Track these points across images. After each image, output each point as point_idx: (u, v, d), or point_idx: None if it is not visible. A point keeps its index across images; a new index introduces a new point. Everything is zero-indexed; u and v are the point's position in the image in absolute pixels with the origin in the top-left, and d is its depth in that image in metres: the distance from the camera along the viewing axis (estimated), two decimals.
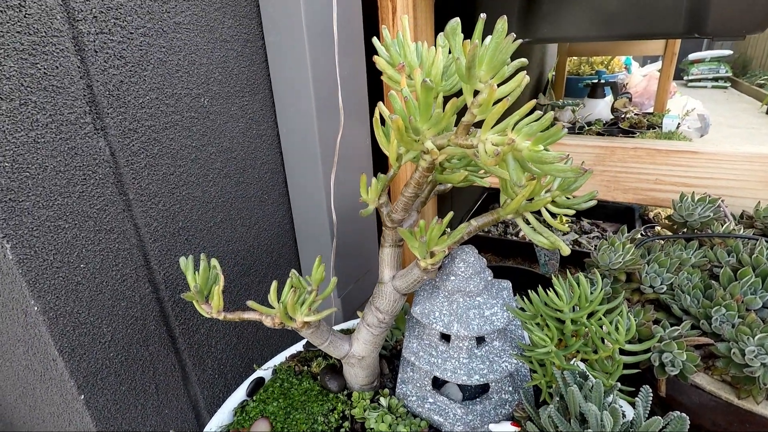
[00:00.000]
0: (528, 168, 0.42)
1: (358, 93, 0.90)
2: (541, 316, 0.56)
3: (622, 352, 0.52)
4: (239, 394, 0.71)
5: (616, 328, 0.51)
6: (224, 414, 0.68)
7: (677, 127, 2.56)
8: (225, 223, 0.78)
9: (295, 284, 0.62)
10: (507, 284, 0.64)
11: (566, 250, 0.51)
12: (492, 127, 0.44)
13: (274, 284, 0.59)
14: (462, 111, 0.46)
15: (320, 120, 0.81)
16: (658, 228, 0.98)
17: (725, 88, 5.79)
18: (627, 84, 3.91)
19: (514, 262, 1.80)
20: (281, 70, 0.80)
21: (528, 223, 0.55)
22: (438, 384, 0.70)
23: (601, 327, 0.52)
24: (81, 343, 0.59)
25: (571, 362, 0.54)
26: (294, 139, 0.85)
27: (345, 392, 0.70)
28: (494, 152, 0.40)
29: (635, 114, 2.98)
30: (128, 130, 0.60)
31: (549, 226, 0.52)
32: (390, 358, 0.77)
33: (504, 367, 0.60)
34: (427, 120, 0.45)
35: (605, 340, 0.51)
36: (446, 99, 0.48)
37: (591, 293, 0.54)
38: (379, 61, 0.51)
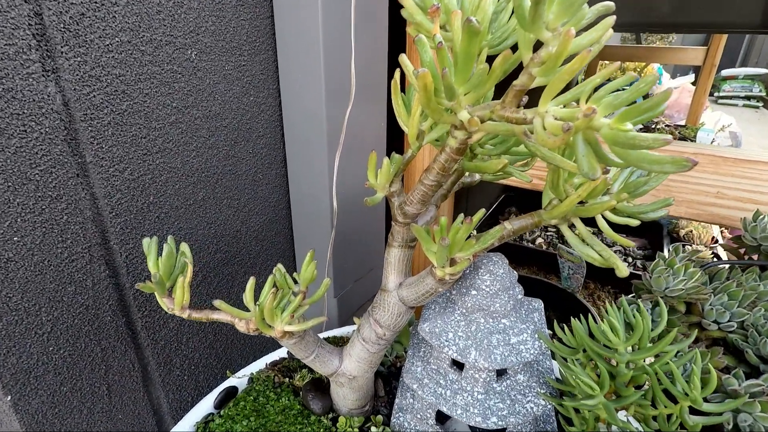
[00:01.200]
0: (603, 156, 0.30)
1: (376, 61, 0.77)
2: (585, 351, 0.44)
3: (693, 411, 0.40)
4: (205, 405, 0.60)
5: (687, 379, 0.39)
6: (184, 428, 0.57)
7: (712, 142, 2.40)
8: (208, 201, 0.67)
9: (278, 283, 0.50)
10: (538, 304, 0.52)
11: (624, 271, 0.39)
12: (554, 98, 0.31)
13: (251, 281, 0.47)
14: (511, 76, 0.34)
15: (330, 92, 0.69)
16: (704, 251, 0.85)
17: (757, 107, 5.56)
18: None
19: (529, 272, 1.68)
20: (289, 28, 0.68)
21: (574, 230, 0.43)
22: (442, 417, 0.58)
23: (667, 375, 0.39)
24: (10, 333, 0.48)
25: (619, 415, 0.42)
26: (298, 111, 0.73)
27: (330, 415, 0.58)
28: (562, 128, 0.28)
29: (666, 125, 2.82)
30: (89, 77, 0.49)
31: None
32: (387, 377, 0.65)
33: (529, 408, 0.48)
34: (466, 79, 0.33)
35: (672, 394, 0.39)
36: (489, 61, 0.36)
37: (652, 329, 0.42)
38: (407, 3, 0.38)
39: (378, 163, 0.43)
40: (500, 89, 0.34)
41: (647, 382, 0.41)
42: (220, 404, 0.59)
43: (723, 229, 1.85)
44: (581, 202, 0.42)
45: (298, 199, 0.81)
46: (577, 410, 0.44)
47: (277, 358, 0.68)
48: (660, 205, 0.43)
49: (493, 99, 0.37)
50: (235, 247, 0.74)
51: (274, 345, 0.80)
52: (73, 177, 0.50)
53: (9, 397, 0.49)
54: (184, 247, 0.51)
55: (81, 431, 0.57)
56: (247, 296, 0.48)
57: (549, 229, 1.91)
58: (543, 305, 0.53)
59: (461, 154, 0.39)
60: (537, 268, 1.68)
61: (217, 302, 0.46)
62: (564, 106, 0.31)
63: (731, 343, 0.52)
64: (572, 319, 0.44)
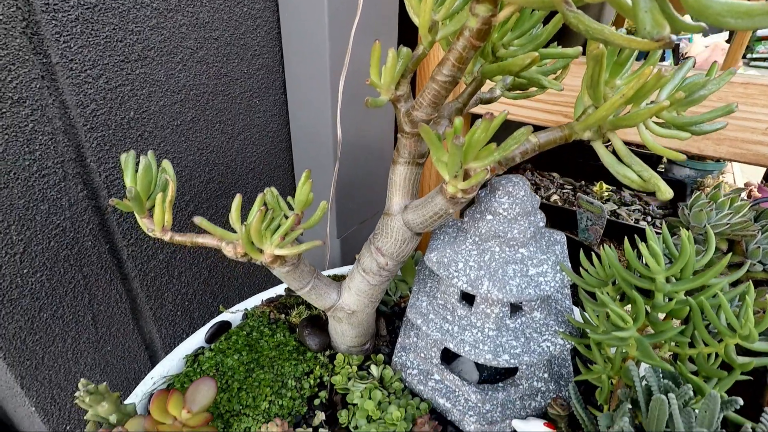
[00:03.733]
0: (670, 14, 0.23)
1: None
2: (614, 284, 0.38)
3: (740, 351, 0.34)
4: (196, 339, 0.56)
5: (736, 314, 0.33)
6: (173, 362, 0.54)
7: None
8: (198, 124, 0.61)
9: (269, 204, 0.45)
10: (561, 237, 0.46)
11: (666, 193, 0.33)
12: None
13: (237, 199, 0.42)
14: None
15: (333, 7, 0.61)
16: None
17: None
18: (686, 53, 3.53)
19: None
20: None
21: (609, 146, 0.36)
22: (449, 357, 0.54)
23: (715, 311, 0.34)
24: None
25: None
26: (298, 28, 0.65)
27: (327, 353, 0.54)
28: None
29: None
30: None
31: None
32: (390, 316, 0.61)
33: (545, 347, 0.43)
34: None
35: (718, 331, 0.34)
36: None
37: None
38: None
39: (382, 55, 0.37)
40: None
41: (689, 318, 0.35)
42: (211, 338, 0.56)
43: (752, 187, 1.75)
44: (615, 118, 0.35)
45: (299, 129, 0.74)
46: (600, 349, 0.39)
47: (274, 295, 0.64)
48: (719, 113, 0.36)
49: None
50: (229, 178, 0.68)
51: (272, 283, 0.76)
52: (37, 78, 0.44)
53: None
54: (166, 164, 0.45)
55: (65, 360, 0.54)
56: (233, 215, 0.43)
57: (565, 186, 1.83)
58: (566, 239, 0.47)
59: (482, 39, 0.32)
60: (551, 226, 1.62)
61: (197, 219, 0.41)
62: None
63: None
64: (603, 245, 0.38)
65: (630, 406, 0.34)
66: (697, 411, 0.30)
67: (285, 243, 0.42)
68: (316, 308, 0.60)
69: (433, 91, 0.36)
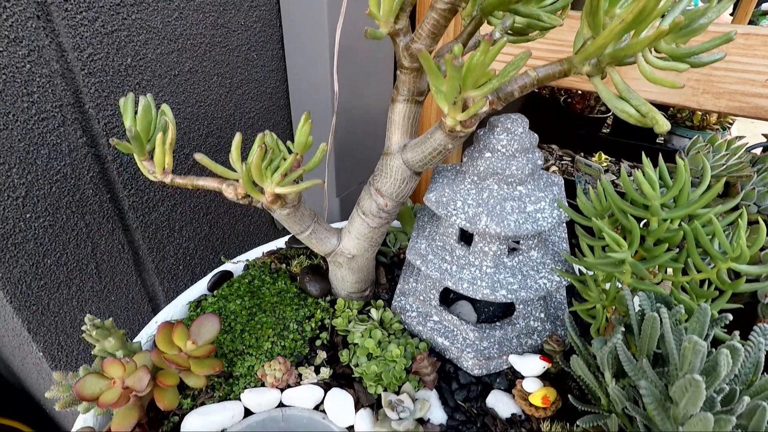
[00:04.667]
0: None
1: None
2: (611, 216, 0.39)
3: (731, 276, 0.35)
4: (198, 288, 0.57)
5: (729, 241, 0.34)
6: (176, 308, 0.55)
7: None
8: (196, 75, 0.60)
9: (269, 144, 0.45)
10: (559, 179, 0.47)
11: (664, 126, 0.33)
12: None
13: (237, 137, 0.42)
14: None
15: None
16: None
17: None
18: None
19: None
20: None
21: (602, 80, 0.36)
22: (447, 302, 0.55)
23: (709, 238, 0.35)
24: None
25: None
26: None
27: (328, 298, 0.55)
28: None
29: None
30: None
31: None
32: (389, 266, 0.62)
33: (541, 284, 0.44)
34: None
35: (711, 257, 0.34)
36: None
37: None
38: None
39: None
40: None
41: (683, 243, 0.36)
42: (213, 286, 0.57)
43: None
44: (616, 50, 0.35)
45: (297, 86, 0.74)
46: (595, 281, 0.40)
47: (274, 248, 0.64)
48: (718, 42, 0.36)
49: None
50: (228, 133, 0.68)
51: (272, 238, 0.76)
52: (32, 18, 0.43)
53: None
54: (165, 107, 0.45)
55: (70, 307, 0.55)
56: (234, 155, 0.43)
57: (564, 157, 1.83)
58: (563, 182, 0.48)
59: None
60: None
61: (198, 156, 0.41)
62: None
63: None
64: (599, 179, 0.39)
65: (623, 330, 0.35)
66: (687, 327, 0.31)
67: (285, 182, 0.43)
68: (316, 258, 0.61)
69: (432, 20, 0.36)
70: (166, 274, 0.66)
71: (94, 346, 0.42)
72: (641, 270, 0.34)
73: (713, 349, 0.29)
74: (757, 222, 0.49)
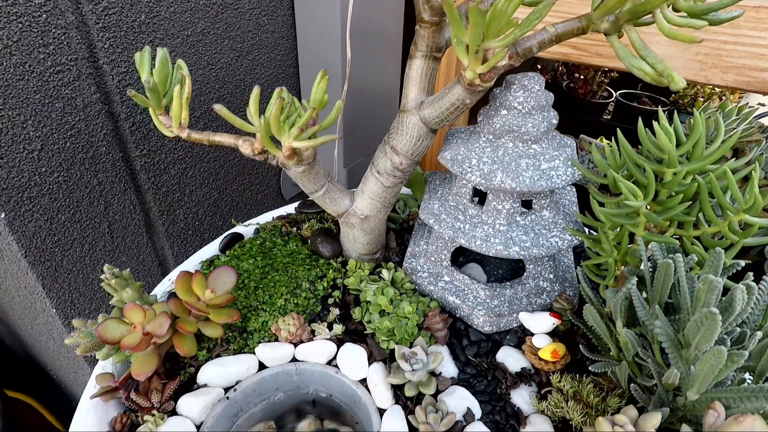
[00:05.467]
0: None
1: None
2: (626, 172, 0.39)
3: (743, 228, 0.36)
4: (210, 249, 0.58)
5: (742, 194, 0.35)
6: (189, 266, 0.55)
7: None
8: (208, 36, 0.60)
9: (285, 100, 0.45)
10: (571, 142, 0.47)
11: (679, 83, 0.34)
12: None
13: (256, 90, 0.42)
14: None
15: None
16: None
17: None
18: None
19: None
20: None
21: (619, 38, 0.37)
22: (457, 264, 0.56)
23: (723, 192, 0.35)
24: None
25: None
26: None
27: (339, 260, 0.56)
28: None
29: None
30: None
31: None
32: (399, 232, 0.62)
33: (553, 242, 0.45)
34: None
35: (723, 209, 0.35)
36: None
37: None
38: None
39: None
40: None
41: (696, 197, 0.37)
42: (225, 248, 0.57)
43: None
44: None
45: (306, 54, 0.74)
46: (607, 236, 0.41)
47: (284, 213, 0.65)
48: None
49: None
50: (239, 98, 0.68)
51: (280, 206, 0.77)
52: None
53: (3, 214, 0.46)
54: (181, 62, 0.45)
55: (83, 265, 0.56)
56: (252, 108, 0.43)
57: None
58: (575, 144, 0.48)
59: None
60: None
61: (217, 106, 0.41)
62: None
63: None
64: (617, 133, 0.39)
65: (636, 280, 0.36)
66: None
67: (302, 137, 0.43)
68: (327, 223, 0.62)
69: None
70: (175, 238, 0.67)
71: (109, 303, 0.42)
72: (656, 219, 0.34)
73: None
74: (765, 186, 0.50)
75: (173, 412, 0.41)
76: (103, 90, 0.51)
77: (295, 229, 0.61)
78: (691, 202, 0.37)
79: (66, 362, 0.71)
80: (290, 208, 0.66)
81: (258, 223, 0.62)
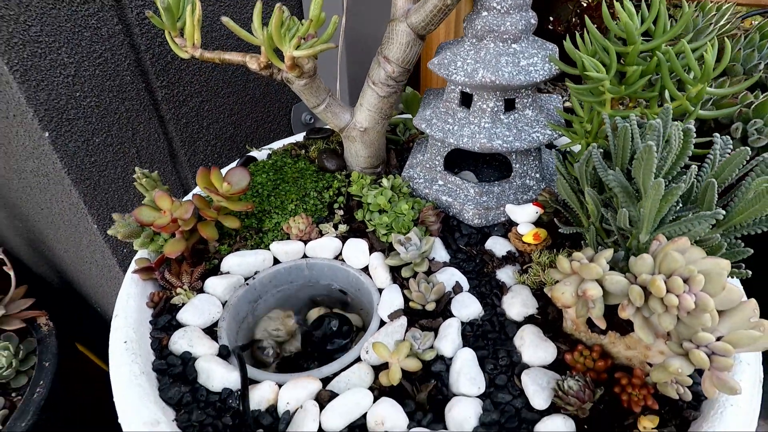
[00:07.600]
0: None
1: None
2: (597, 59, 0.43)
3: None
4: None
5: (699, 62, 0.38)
6: None
7: None
8: None
9: (286, 13, 0.50)
10: (552, 46, 0.51)
11: None
12: None
13: (259, 5, 0.47)
14: None
15: None
16: None
17: None
18: None
19: None
20: None
21: None
22: (453, 173, 0.60)
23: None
24: (36, 66, 0.50)
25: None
26: None
27: (344, 172, 0.61)
28: None
29: None
30: None
31: None
32: (400, 151, 0.67)
33: (534, 137, 0.49)
34: None
35: (683, 83, 0.38)
36: None
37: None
38: None
39: None
40: None
41: (657, 72, 0.40)
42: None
43: None
44: None
45: None
46: (581, 123, 0.45)
47: (294, 141, 0.70)
48: None
49: None
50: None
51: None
52: None
53: (47, 133, 0.53)
54: None
55: (117, 186, 0.62)
56: (255, 22, 0.48)
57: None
58: (558, 50, 0.51)
59: None
60: None
61: (224, 19, 0.46)
62: None
63: (761, 83, 0.50)
64: (586, 21, 0.42)
65: (598, 146, 0.40)
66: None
67: (303, 47, 0.48)
68: (332, 143, 0.67)
69: None
70: (196, 167, 0.73)
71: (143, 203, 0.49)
72: (617, 89, 0.38)
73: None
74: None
75: (201, 291, 0.48)
76: (124, 22, 0.57)
77: (303, 151, 0.66)
78: (655, 76, 0.40)
79: (108, 289, 0.80)
80: (299, 137, 0.71)
81: (271, 149, 0.67)
